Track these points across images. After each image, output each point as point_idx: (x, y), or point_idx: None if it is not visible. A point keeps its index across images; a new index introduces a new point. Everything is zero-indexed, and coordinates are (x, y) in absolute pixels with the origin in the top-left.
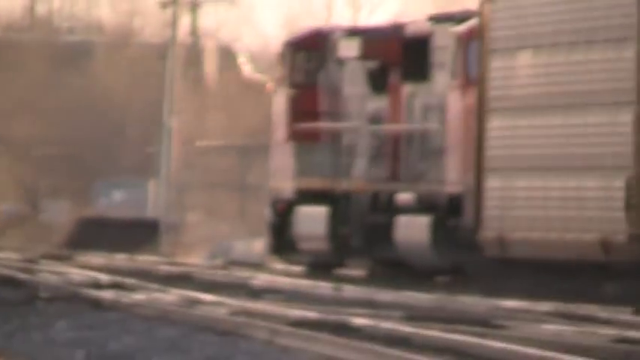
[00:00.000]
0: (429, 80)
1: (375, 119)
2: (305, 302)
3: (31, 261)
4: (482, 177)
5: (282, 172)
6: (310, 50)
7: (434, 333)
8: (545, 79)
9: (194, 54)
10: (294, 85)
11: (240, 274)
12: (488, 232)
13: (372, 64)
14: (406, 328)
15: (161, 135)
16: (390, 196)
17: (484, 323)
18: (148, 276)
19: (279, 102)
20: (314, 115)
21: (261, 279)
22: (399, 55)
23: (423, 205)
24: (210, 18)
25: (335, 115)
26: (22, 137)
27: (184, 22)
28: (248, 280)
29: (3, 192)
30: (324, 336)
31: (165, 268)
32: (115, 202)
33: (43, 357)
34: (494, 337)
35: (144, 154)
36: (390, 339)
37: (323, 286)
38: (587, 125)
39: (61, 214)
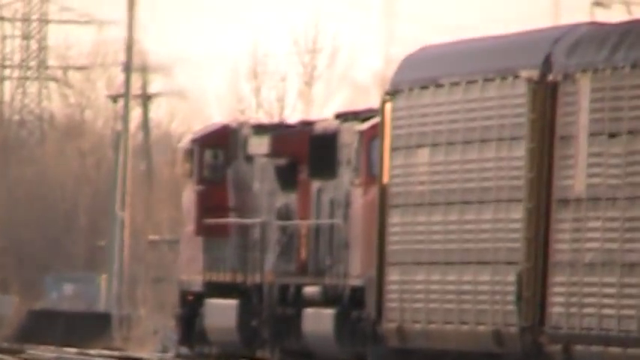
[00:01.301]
0: (335, 177)
1: (284, 214)
2: None
3: None
4: (383, 270)
5: (191, 265)
6: (218, 146)
7: None
8: (442, 177)
9: (144, 147)
10: (202, 180)
11: None
12: (389, 324)
13: (282, 161)
14: None
15: (111, 228)
16: (298, 289)
17: None
18: None
19: (188, 196)
20: (222, 210)
21: None
22: (307, 152)
23: (328, 298)
24: (161, 111)
25: (244, 210)
26: None
27: (135, 114)
28: None
29: None
30: None
31: None
32: (65, 295)
33: None
34: None
35: (94, 246)
36: None
37: None
38: (481, 221)
39: (9, 308)
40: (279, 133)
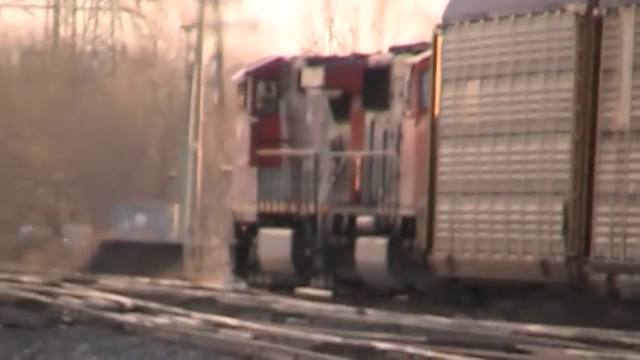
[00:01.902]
0: (388, 109)
1: (337, 146)
2: (328, 326)
3: (52, 284)
4: (434, 201)
5: (244, 196)
6: (271, 78)
7: (457, 358)
8: (491, 109)
9: (217, 78)
10: (255, 112)
11: (263, 298)
12: (439, 254)
13: (334, 93)
14: (429, 353)
15: (182, 159)
16: (351, 219)
17: (507, 348)
18: (170, 300)
19: (242, 128)
20: (276, 142)
21: (284, 303)
22: (361, 84)
23: (380, 228)
24: (234, 41)
25: (296, 141)
26: (42, 160)
27: (208, 45)
28: (271, 304)
29: (23, 215)
30: None
31: (187, 292)
32: (136, 225)
33: None
34: None
35: (166, 177)
36: None
37: (346, 310)
38: (529, 152)
39: (82, 238)
40: (333, 65)
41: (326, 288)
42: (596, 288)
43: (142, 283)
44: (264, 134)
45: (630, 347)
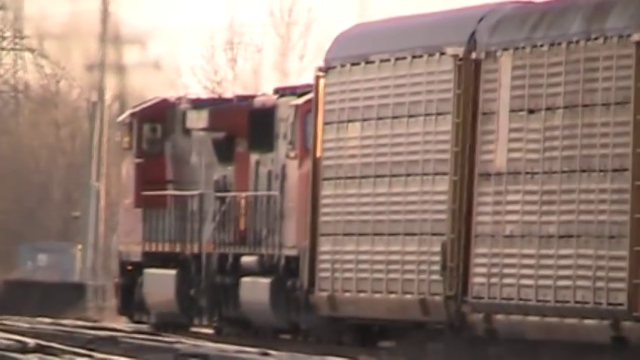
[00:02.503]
0: (273, 150)
1: (221, 187)
2: None
3: None
4: (316, 241)
5: (130, 236)
6: (156, 120)
7: None
8: (371, 151)
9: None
10: (141, 153)
11: (166, 338)
12: (321, 293)
13: (218, 135)
14: None
15: (85, 198)
16: (236, 259)
17: None
18: (73, 340)
19: (127, 169)
20: (161, 183)
21: (187, 343)
22: (245, 126)
23: (264, 268)
24: (136, 81)
25: (181, 182)
26: None
27: (111, 84)
28: (174, 344)
29: None
30: None
31: (90, 332)
32: (39, 265)
33: None
34: None
35: (69, 217)
36: None
37: (249, 351)
38: (408, 194)
39: None
40: (217, 107)
41: (209, 327)
42: (475, 327)
43: (45, 322)
44: (149, 175)
45: None
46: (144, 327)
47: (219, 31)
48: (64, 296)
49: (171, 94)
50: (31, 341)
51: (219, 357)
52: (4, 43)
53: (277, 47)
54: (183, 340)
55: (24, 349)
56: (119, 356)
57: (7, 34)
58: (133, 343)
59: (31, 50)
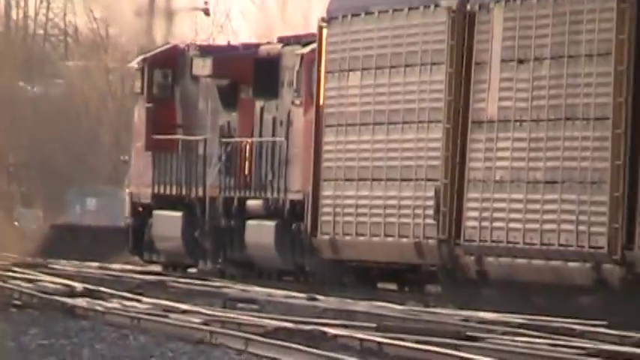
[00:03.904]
0: (277, 97)
1: (226, 132)
2: (280, 312)
3: (3, 269)
4: (318, 186)
5: (141, 178)
6: (167, 66)
7: (407, 344)
8: (370, 99)
9: None
10: (151, 98)
11: (214, 283)
12: (323, 237)
13: (223, 82)
14: (380, 339)
15: None
16: (241, 203)
17: (457, 335)
18: (121, 284)
19: (139, 113)
20: (171, 127)
21: (235, 288)
22: (251, 73)
23: (269, 211)
24: (185, 26)
25: (190, 127)
26: None
27: (160, 29)
28: (222, 289)
29: None
30: (298, 346)
31: (139, 277)
32: (88, 209)
33: None
34: (468, 350)
35: (118, 161)
36: (364, 349)
37: (297, 296)
38: (405, 141)
39: (33, 222)
40: (222, 55)
41: (214, 268)
42: (467, 269)
43: (93, 267)
44: (160, 119)
45: (580, 335)
46: (192, 272)
47: None
48: (112, 240)
49: (220, 40)
50: (79, 285)
51: (267, 302)
52: None
53: None
54: (230, 285)
55: (72, 294)
56: (167, 301)
57: None
58: (182, 287)
59: None
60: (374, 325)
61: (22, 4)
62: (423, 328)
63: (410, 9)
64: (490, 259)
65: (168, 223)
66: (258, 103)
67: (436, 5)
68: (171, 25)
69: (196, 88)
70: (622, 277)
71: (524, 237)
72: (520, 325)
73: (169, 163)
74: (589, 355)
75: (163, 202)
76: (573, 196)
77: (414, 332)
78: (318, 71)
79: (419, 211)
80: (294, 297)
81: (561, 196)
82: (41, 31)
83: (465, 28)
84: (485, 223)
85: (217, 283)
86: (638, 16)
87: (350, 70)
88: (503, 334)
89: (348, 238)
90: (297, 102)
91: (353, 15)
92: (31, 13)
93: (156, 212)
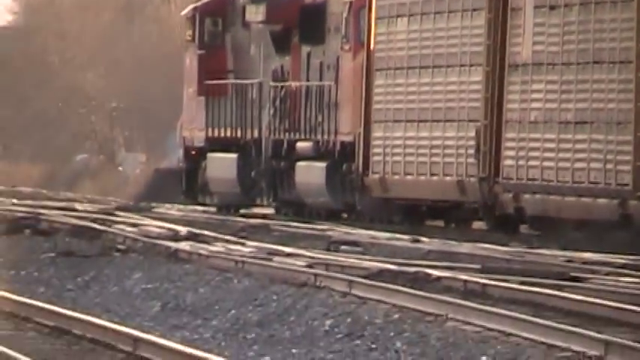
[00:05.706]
0: (324, 43)
1: (278, 76)
2: (383, 254)
3: (107, 213)
4: (369, 128)
5: (194, 123)
6: (217, 14)
7: (511, 285)
8: (417, 44)
9: None
10: (203, 45)
11: (317, 226)
12: (373, 176)
13: (275, 28)
14: (484, 280)
15: None
16: (291, 145)
17: (561, 276)
18: (225, 228)
19: (191, 60)
20: (222, 72)
21: (338, 231)
22: (298, 19)
23: (319, 153)
24: None
25: (241, 72)
26: (96, 89)
27: None
28: (326, 232)
29: (78, 143)
30: (402, 288)
31: (242, 220)
32: None
33: (118, 309)
34: (572, 290)
35: None
36: (467, 291)
37: (401, 238)
38: (448, 84)
39: (136, 166)
40: (274, 1)
41: (269, 207)
42: (505, 206)
43: (197, 211)
44: (211, 65)
45: None
46: (296, 216)
47: None
48: None
49: None
50: (183, 229)
51: (370, 244)
52: None
53: None
54: (334, 227)
55: (176, 237)
56: (271, 244)
57: None
58: (285, 230)
59: None
60: (478, 266)
61: None
62: (527, 270)
63: None
64: (526, 196)
65: (223, 165)
66: (305, 49)
67: None
68: None
69: (248, 35)
70: None
71: (557, 175)
72: (623, 266)
73: (222, 107)
74: None
75: (217, 144)
76: (601, 136)
77: (518, 273)
78: (369, 18)
79: (461, 151)
80: (397, 239)
81: (590, 135)
82: None
83: None
84: (521, 162)
85: (321, 227)
86: None
87: (398, 16)
88: (607, 274)
89: (396, 177)
90: (346, 47)
91: None
92: None
93: (210, 155)
